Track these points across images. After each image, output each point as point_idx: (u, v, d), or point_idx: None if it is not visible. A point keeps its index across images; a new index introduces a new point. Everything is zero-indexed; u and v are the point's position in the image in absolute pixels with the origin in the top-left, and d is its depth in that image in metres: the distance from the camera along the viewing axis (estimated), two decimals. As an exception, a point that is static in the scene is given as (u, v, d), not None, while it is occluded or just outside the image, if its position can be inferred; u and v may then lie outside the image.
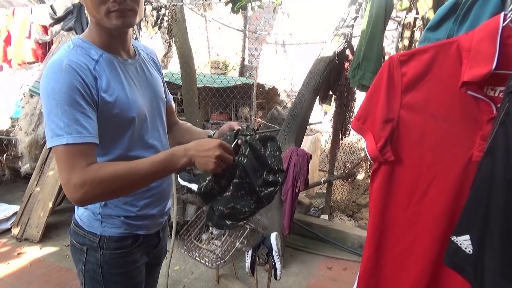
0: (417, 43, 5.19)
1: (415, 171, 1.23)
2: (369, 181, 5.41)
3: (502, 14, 1.09)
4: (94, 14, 1.03)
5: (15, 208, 3.72)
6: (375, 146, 1.23)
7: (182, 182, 1.58)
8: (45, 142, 3.80)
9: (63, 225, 3.72)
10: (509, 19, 1.07)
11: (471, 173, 1.18)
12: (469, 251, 1.00)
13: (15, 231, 3.49)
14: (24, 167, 4.29)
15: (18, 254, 3.21)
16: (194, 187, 1.46)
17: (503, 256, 0.93)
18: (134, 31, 3.77)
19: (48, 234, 3.50)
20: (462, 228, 1.02)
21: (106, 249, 1.14)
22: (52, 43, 4.88)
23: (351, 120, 1.34)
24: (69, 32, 4.37)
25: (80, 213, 1.18)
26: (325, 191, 3.97)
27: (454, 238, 1.04)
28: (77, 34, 4.02)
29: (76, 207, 1.17)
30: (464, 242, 1.01)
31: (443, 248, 1.20)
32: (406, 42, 5.42)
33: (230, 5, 3.04)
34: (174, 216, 2.80)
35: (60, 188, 3.54)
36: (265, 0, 3.51)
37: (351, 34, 3.37)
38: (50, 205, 3.47)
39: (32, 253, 3.23)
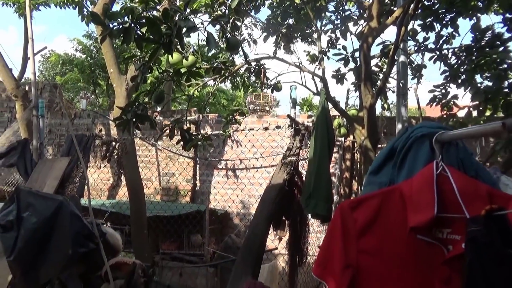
0: (358, 163, 5.56)
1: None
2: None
3: (434, 163, 1.20)
4: None
5: None
6: (337, 293, 1.19)
7: None
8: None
9: None
10: (441, 167, 1.19)
11: (434, 317, 1.15)
12: None
13: None
14: None
15: None
16: None
17: None
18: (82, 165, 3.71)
19: None
20: None
21: None
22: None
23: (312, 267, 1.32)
24: (10, 168, 4.22)
25: None
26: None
27: None
28: (19, 171, 3.89)
29: None
30: None
31: None
32: (348, 163, 5.78)
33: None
34: None
35: None
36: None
37: (298, 162, 3.57)
38: None
39: None
